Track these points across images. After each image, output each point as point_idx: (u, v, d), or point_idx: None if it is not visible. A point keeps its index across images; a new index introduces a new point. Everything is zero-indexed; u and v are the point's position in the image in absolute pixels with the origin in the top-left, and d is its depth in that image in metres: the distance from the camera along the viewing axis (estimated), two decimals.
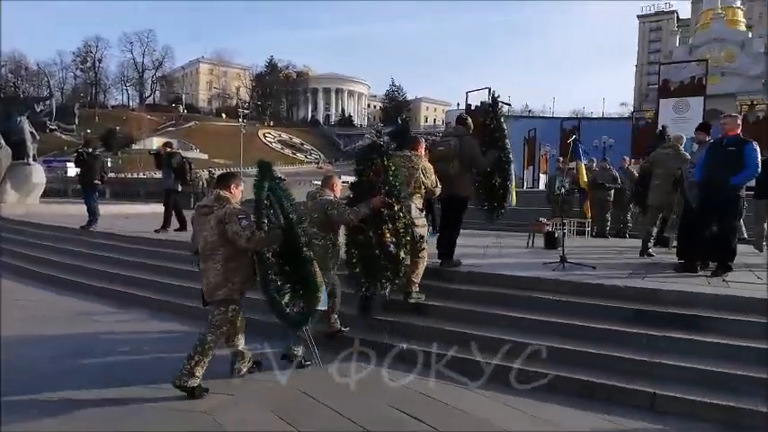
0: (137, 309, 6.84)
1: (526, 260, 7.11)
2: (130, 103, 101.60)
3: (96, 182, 10.70)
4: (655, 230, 7.59)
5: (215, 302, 4.15)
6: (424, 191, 5.40)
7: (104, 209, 15.89)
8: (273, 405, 3.92)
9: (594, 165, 11.93)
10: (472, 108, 24.51)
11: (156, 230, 9.77)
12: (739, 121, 5.87)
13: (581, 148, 9.57)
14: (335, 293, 5.02)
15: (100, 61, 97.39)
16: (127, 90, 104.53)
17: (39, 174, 16.84)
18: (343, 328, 5.20)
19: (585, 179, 10.25)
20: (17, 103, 17.37)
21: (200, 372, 4.00)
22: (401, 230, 4.84)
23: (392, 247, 4.77)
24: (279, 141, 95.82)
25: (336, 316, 5.15)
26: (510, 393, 4.14)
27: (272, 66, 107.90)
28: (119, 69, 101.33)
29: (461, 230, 6.23)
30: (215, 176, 26.00)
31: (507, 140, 6.27)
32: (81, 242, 10.05)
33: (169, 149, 10.70)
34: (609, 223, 11.42)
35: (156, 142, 69.74)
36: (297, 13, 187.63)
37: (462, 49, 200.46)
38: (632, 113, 37.00)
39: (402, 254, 4.85)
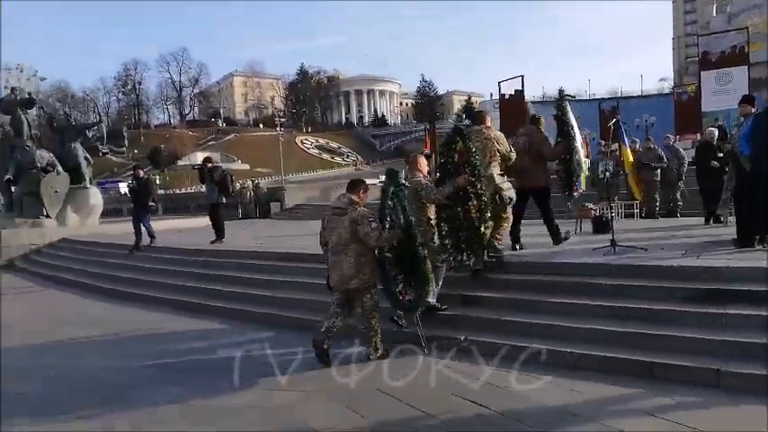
0: (208, 317, 7.18)
1: (576, 246, 7.12)
2: (172, 121, 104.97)
3: (151, 204, 11.24)
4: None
5: (349, 291, 4.90)
6: (499, 157, 6.02)
7: (157, 225, 16.68)
8: (344, 398, 4.14)
9: (638, 145, 11.71)
10: (506, 98, 24.34)
11: (211, 242, 10.23)
12: None
13: (623, 129, 9.40)
14: (439, 276, 5.45)
15: (140, 83, 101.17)
16: (167, 109, 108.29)
17: (96, 196, 17.78)
18: (442, 306, 5.56)
19: (630, 159, 10.07)
20: (69, 130, 18.34)
21: (379, 342, 4.95)
22: (483, 207, 5.34)
23: (476, 222, 5.29)
24: (316, 147, 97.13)
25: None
26: (570, 377, 4.21)
27: (303, 73, 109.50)
28: (158, 89, 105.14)
29: (523, 220, 6.83)
30: (259, 186, 26.67)
31: (575, 130, 6.80)
32: (146, 258, 10.59)
33: (210, 164, 11.05)
34: (658, 203, 11.20)
35: (199, 157, 71.83)
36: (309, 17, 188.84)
37: (489, 36, 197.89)
38: (673, 88, 35.63)
39: (483, 228, 5.34)
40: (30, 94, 18.03)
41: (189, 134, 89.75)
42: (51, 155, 16.56)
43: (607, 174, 9.42)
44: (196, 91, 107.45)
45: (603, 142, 11.63)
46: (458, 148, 5.37)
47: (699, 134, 16.92)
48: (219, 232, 10.56)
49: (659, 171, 11.01)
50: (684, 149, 12.93)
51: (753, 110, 6.26)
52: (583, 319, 4.84)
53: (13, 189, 16.73)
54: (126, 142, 23.72)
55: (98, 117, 23.32)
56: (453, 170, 5.38)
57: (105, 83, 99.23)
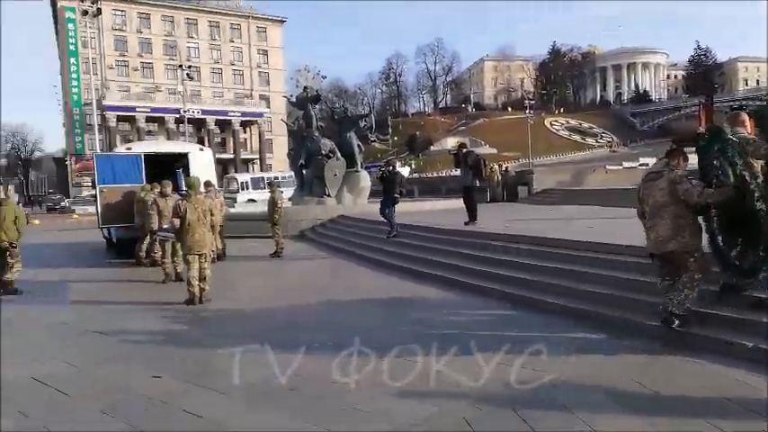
0: (464, 291, 7.74)
1: None
2: (426, 109, 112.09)
3: (396, 195, 12.11)
4: None
5: (667, 255, 4.81)
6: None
7: (413, 206, 18.18)
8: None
9: None
10: None
11: (465, 223, 10.83)
12: None
13: None
14: None
15: (400, 75, 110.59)
16: (423, 97, 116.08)
17: (366, 179, 20.26)
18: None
19: None
20: (346, 121, 21.40)
21: (688, 304, 4.76)
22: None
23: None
24: (566, 128, 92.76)
25: None
26: None
27: (554, 52, 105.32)
28: (415, 80, 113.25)
29: None
30: (507, 170, 26.89)
31: None
32: (407, 235, 11.71)
33: (465, 149, 11.65)
34: None
35: (449, 142, 75.31)
36: None
37: None
38: None
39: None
40: (317, 91, 21.26)
41: (441, 121, 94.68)
42: (332, 143, 19.44)
43: None
44: (449, 79, 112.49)
45: None
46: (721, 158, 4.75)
47: None
48: (473, 214, 11.09)
49: None
50: None
51: None
52: None
53: (304, 173, 20.21)
54: (390, 131, 26.29)
55: (368, 109, 26.25)
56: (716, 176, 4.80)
57: (372, 77, 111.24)
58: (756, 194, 4.44)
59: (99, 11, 38.81)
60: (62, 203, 50.50)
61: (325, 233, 15.66)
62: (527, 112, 64.40)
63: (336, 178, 19.07)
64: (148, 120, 61.66)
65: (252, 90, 73.17)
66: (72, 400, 4.25)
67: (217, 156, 19.24)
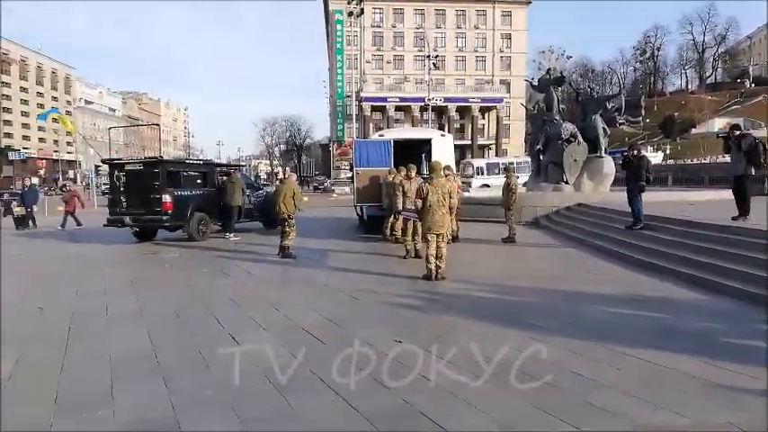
0: (710, 292, 6.87)
1: None
2: (689, 87, 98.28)
3: (642, 183, 10.88)
4: None
5: None
6: None
7: (666, 195, 16.33)
8: None
9: None
10: None
11: (733, 218, 9.36)
12: None
13: None
14: None
15: (658, 49, 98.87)
16: (686, 73, 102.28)
17: (609, 165, 18.85)
18: None
19: None
20: (591, 103, 19.90)
21: None
22: None
23: None
24: None
25: None
26: None
27: None
28: (677, 53, 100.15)
29: None
30: None
31: None
32: (654, 227, 10.66)
33: (738, 132, 9.92)
34: None
35: (717, 124, 64.88)
36: None
37: None
38: None
39: None
40: (561, 72, 20.44)
41: (708, 99, 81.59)
42: (574, 127, 18.53)
43: None
44: (721, 50, 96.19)
45: None
46: None
47: None
48: (744, 207, 9.48)
49: None
50: None
51: None
52: None
53: (541, 158, 19.74)
54: (643, 112, 23.91)
55: (617, 89, 24.34)
56: None
57: (624, 54, 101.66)
58: None
59: (362, 11, 43.48)
60: (324, 184, 58.81)
61: (560, 221, 15.11)
62: None
63: (576, 164, 18.20)
64: (397, 109, 66.77)
65: (493, 76, 73.55)
66: (326, 347, 5.11)
67: (455, 142, 20.02)
